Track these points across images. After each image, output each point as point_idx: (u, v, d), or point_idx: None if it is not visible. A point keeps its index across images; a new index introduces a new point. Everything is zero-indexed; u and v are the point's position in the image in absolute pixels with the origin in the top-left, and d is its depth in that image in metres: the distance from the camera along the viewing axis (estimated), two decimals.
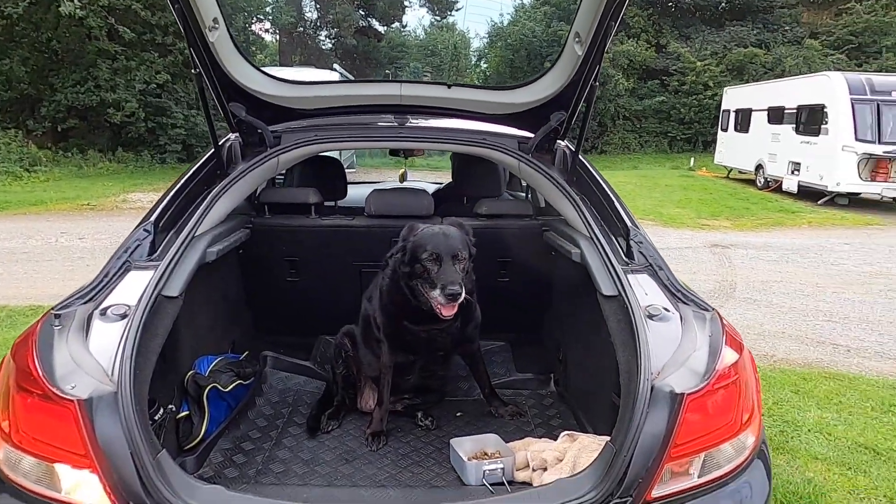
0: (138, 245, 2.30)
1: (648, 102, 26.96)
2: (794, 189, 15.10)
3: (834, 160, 13.66)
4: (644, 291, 2.17)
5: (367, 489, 2.33)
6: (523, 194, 4.38)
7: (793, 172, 15.29)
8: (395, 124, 2.97)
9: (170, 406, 2.39)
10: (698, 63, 26.52)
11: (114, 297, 2.05)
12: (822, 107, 14.19)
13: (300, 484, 2.43)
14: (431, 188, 4.78)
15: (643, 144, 27.09)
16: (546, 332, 3.58)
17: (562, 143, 3.00)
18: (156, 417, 2.22)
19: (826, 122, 14.08)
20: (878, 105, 13.48)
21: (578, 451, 2.25)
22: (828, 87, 14.12)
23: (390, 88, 2.84)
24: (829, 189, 13.89)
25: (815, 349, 5.63)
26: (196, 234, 2.44)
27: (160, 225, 2.43)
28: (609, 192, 2.77)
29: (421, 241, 2.49)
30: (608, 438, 2.26)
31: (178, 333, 2.46)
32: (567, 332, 3.17)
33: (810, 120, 14.73)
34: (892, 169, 13.38)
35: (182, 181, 2.74)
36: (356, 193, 3.79)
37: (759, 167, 17.04)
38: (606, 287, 2.28)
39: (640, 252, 2.38)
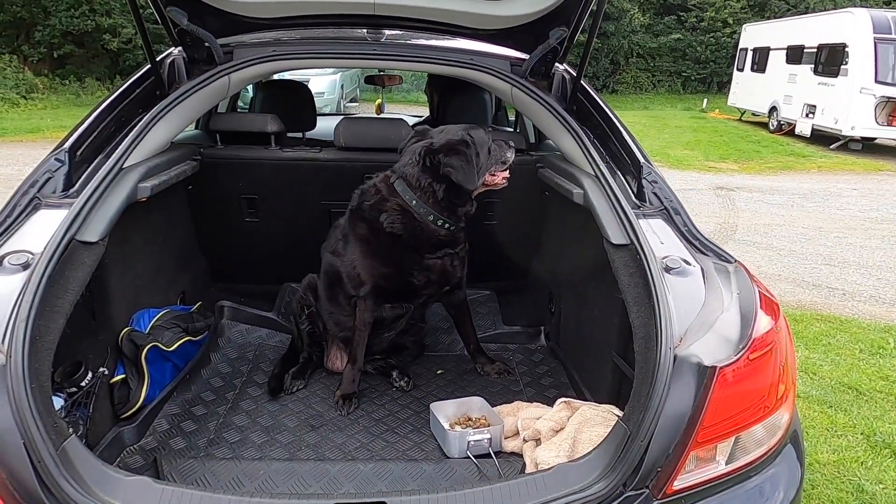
0: (49, 178, 1.89)
1: (664, 39, 25.84)
2: (808, 133, 14.64)
3: (850, 103, 13.15)
4: (659, 240, 1.89)
5: (335, 463, 2.04)
6: (510, 129, 4.03)
7: (807, 115, 14.78)
8: (368, 39, 2.59)
9: (101, 369, 2.07)
10: None
11: (14, 242, 1.67)
12: (844, 46, 13.55)
13: (257, 458, 2.15)
14: (411, 121, 4.24)
15: (656, 84, 26.18)
16: (536, 280, 3.28)
17: (560, 67, 2.64)
18: (82, 384, 1.94)
19: (846, 63, 13.48)
20: None
21: (580, 424, 1.99)
22: (851, 25, 13.43)
23: None
24: (843, 133, 13.45)
25: (810, 292, 5.58)
26: (124, 165, 2.05)
27: (79, 154, 2.01)
28: (617, 124, 2.42)
29: (481, 136, 2.45)
30: (612, 409, 2.08)
31: (108, 285, 2.17)
32: (561, 282, 2.90)
33: (830, 60, 14.10)
34: None
35: (109, 101, 2.25)
36: (328, 126, 3.27)
37: (773, 109, 16.47)
38: (615, 234, 1.98)
39: (654, 193, 2.09)
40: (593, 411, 2.06)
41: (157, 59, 2.37)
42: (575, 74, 2.54)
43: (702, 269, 1.81)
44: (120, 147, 2.06)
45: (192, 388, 2.53)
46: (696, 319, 1.64)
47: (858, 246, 7.11)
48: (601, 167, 2.18)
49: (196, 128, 3.54)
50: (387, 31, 2.64)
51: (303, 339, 2.77)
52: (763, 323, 1.62)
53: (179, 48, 2.47)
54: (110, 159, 2.01)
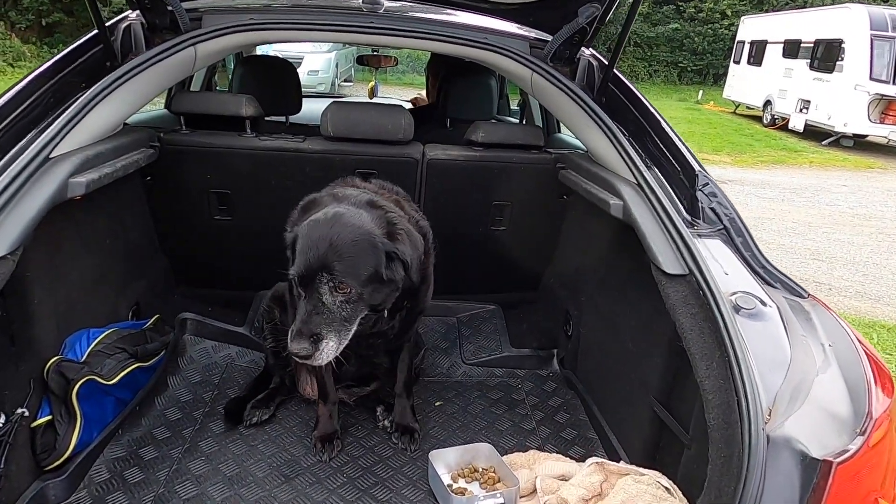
0: None
1: (662, 29, 25.75)
2: (801, 128, 14.72)
3: (844, 99, 13.21)
4: (723, 269, 1.53)
5: None
6: (514, 120, 3.69)
7: (801, 110, 14.85)
8: (364, 10, 2.21)
9: (20, 410, 1.63)
10: None
11: None
12: (840, 42, 13.58)
13: None
14: (408, 108, 3.78)
15: (652, 74, 26.11)
16: (549, 296, 2.86)
17: (587, 52, 2.29)
18: None
19: (842, 59, 13.52)
20: None
21: (622, 503, 1.60)
22: (848, 20, 13.45)
23: None
24: (836, 129, 13.54)
25: None
26: (52, 154, 1.64)
27: None
28: (660, 121, 2.03)
29: (295, 240, 1.73)
30: (660, 478, 1.67)
31: (30, 303, 1.72)
32: (582, 302, 2.49)
33: (826, 55, 14.13)
34: None
35: (41, 71, 1.81)
36: (318, 109, 2.78)
37: (767, 103, 16.52)
38: (668, 261, 1.60)
39: (711, 208, 1.74)
40: (637, 485, 1.66)
41: (108, 23, 1.96)
42: (608, 62, 2.18)
43: (778, 309, 1.46)
44: (48, 131, 1.65)
45: (142, 423, 2.10)
46: (785, 383, 1.28)
47: (846, 242, 7.19)
48: (644, 174, 1.85)
49: (166, 107, 3.15)
50: (386, 2, 2.33)
51: (268, 360, 2.41)
52: (879, 396, 1.28)
53: (137, 12, 2.09)
54: (32, 147, 1.60)
